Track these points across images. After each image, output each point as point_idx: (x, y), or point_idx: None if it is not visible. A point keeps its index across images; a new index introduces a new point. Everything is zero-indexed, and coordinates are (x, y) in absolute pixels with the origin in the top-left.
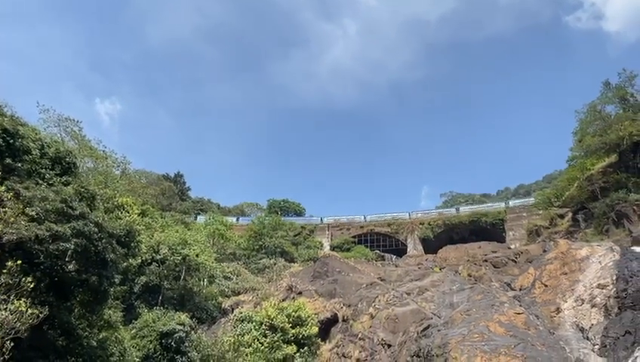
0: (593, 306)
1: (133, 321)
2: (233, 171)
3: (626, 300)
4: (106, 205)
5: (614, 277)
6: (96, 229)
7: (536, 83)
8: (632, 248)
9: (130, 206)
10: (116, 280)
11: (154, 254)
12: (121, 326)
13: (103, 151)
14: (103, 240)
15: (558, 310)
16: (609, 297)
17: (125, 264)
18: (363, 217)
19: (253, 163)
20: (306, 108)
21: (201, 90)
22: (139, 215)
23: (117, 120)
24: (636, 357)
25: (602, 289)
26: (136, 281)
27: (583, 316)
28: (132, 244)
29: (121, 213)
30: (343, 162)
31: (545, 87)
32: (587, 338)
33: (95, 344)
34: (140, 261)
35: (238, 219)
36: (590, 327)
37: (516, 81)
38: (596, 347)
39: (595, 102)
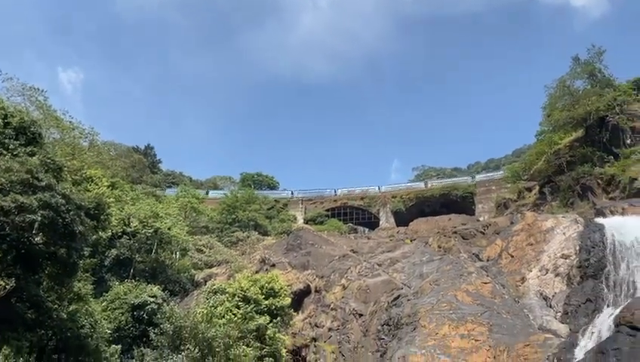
0: (557, 275)
1: (104, 294)
2: (205, 144)
3: (588, 269)
4: (73, 177)
5: (577, 248)
6: (63, 201)
7: (508, 58)
8: (595, 220)
9: (99, 178)
10: (85, 252)
11: (125, 227)
12: (91, 299)
13: (70, 121)
14: (71, 213)
15: (523, 279)
16: (572, 267)
17: (95, 237)
18: (336, 191)
19: (226, 136)
20: (280, 81)
21: (172, 61)
22: (108, 187)
23: (80, 89)
24: (596, 324)
25: (566, 259)
26: (106, 254)
27: (546, 285)
28: (102, 217)
29: (90, 185)
30: (317, 136)
31: (516, 62)
32: (550, 306)
33: (65, 316)
34: (110, 234)
35: (207, 193)
36: (553, 296)
37: (489, 56)
38: (558, 314)
39: (565, 77)
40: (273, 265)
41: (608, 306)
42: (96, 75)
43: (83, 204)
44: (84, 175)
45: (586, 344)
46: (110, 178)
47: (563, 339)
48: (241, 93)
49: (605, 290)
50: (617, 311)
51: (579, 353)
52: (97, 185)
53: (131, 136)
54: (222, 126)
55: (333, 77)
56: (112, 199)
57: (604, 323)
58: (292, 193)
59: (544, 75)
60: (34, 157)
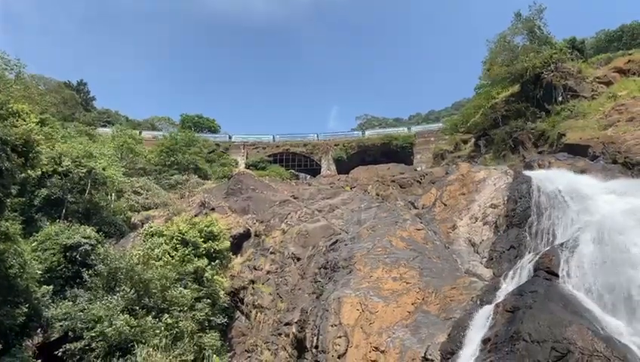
0: (485, 224)
1: (34, 234)
2: (143, 83)
3: (514, 219)
4: None
5: (505, 198)
6: None
7: (453, 11)
8: (523, 172)
9: (27, 114)
10: (13, 191)
11: (56, 166)
12: (20, 239)
13: None
14: None
15: (454, 227)
16: (499, 216)
17: (23, 175)
18: (278, 137)
19: (165, 75)
20: (223, 21)
21: None
22: (37, 124)
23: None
24: (517, 268)
25: (494, 208)
26: (36, 194)
27: (475, 232)
28: (30, 154)
29: (17, 121)
30: (258, 79)
31: (461, 16)
32: (477, 252)
33: None
34: (40, 173)
35: (156, 135)
36: (480, 242)
37: (434, 8)
38: (484, 260)
39: (506, 32)
40: (213, 209)
41: (529, 252)
42: (24, 2)
43: (9, 139)
44: (9, 109)
45: (507, 287)
46: (39, 114)
47: (487, 282)
48: (182, 32)
49: (528, 238)
50: (537, 257)
51: (500, 294)
52: (25, 121)
53: (62, 71)
54: (160, 64)
55: (280, 19)
56: (41, 136)
57: (524, 268)
58: (233, 137)
59: (490, 29)
60: None
